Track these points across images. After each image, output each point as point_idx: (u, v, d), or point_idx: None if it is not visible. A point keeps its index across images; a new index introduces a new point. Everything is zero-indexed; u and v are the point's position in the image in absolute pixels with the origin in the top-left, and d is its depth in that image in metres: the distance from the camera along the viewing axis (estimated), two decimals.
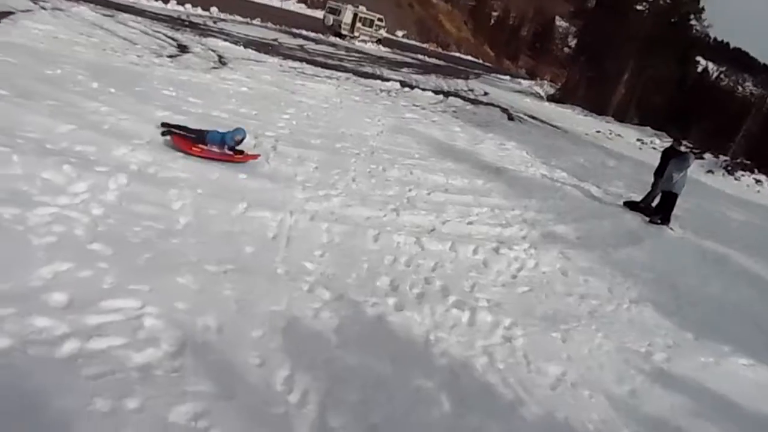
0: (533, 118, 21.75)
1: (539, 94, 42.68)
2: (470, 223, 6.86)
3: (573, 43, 44.27)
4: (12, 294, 3.11)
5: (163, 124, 6.87)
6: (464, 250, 5.86)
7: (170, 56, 12.69)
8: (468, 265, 5.58)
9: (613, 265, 6.81)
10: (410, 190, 7.46)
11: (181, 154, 6.21)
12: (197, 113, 8.21)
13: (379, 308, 4.18)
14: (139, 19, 17.86)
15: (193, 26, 20.59)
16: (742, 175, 21.16)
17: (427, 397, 3.29)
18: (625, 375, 4.22)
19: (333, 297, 4.15)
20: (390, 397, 3.20)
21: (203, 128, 6.86)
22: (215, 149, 6.46)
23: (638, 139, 24.31)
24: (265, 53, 17.75)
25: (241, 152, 6.67)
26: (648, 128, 29.14)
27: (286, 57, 18.40)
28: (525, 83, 50.09)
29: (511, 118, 19.51)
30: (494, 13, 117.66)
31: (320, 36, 34.13)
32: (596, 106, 33.92)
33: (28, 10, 13.48)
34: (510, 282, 5.46)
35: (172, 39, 15.62)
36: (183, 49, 14.35)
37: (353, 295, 4.27)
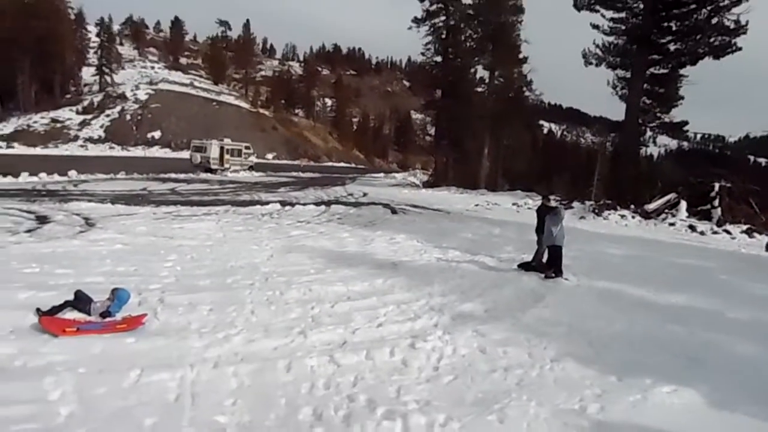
0: (415, 206, 22.70)
1: (415, 183, 45.06)
2: (380, 325, 6.74)
3: (432, 131, 47.70)
4: None
5: (38, 310, 6.15)
6: (380, 355, 5.69)
7: (28, 231, 11.82)
8: (388, 369, 5.40)
9: (526, 329, 6.94)
10: (313, 308, 7.25)
11: (54, 337, 5.60)
12: (67, 284, 7.53)
13: None
14: None
15: (51, 194, 19.58)
16: (609, 214, 23.21)
17: None
18: None
19: None
20: None
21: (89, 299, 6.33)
22: (95, 320, 5.93)
23: (513, 204, 26.12)
24: (136, 204, 17.22)
25: (122, 320, 6.12)
26: (519, 192, 31.54)
27: (158, 204, 17.95)
28: (399, 176, 52.86)
29: (394, 212, 20.20)
30: (354, 119, 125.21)
31: (191, 175, 33.99)
32: (468, 183, 36.35)
33: None
34: (433, 375, 5.33)
35: (28, 212, 14.65)
36: (42, 220, 13.48)
37: None
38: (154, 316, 6.48)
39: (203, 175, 35.41)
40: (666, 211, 23.52)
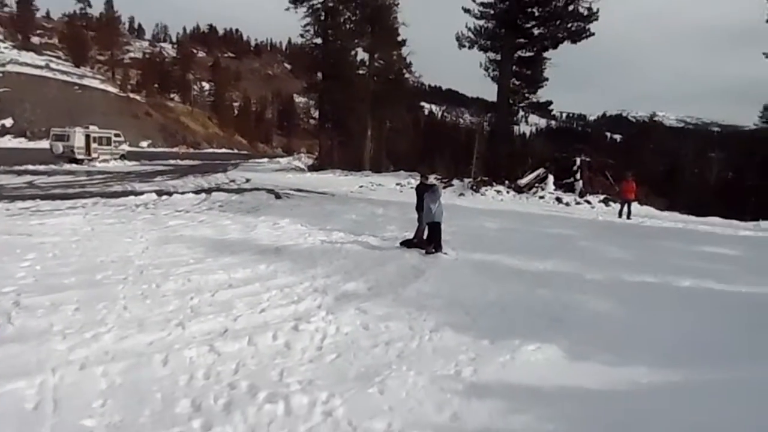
0: (299, 191, 22.50)
1: (300, 167, 44.62)
2: (263, 310, 6.65)
3: (316, 114, 47.31)
4: None
5: None
6: (263, 340, 5.64)
7: None
8: (271, 353, 5.37)
9: (407, 303, 7.19)
10: (192, 298, 6.99)
11: None
12: None
13: None
14: None
15: None
16: (486, 190, 24.55)
17: None
18: (443, 402, 4.40)
19: None
20: None
21: None
22: None
23: (397, 184, 26.75)
24: None
25: None
26: (401, 172, 32.33)
27: (13, 199, 16.21)
28: (284, 161, 52.04)
29: (278, 196, 19.89)
30: (235, 104, 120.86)
31: (52, 167, 31.01)
32: (353, 165, 36.63)
33: None
34: (317, 356, 5.38)
35: None
36: None
37: None
38: (8, 321, 5.89)
39: (67, 166, 32.42)
40: (536, 185, 25.35)
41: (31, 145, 55.51)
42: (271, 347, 5.52)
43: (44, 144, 41.12)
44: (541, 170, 26.18)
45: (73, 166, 32.70)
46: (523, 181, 25.47)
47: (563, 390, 4.71)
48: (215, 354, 5.26)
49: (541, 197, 23.88)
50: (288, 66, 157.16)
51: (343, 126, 40.52)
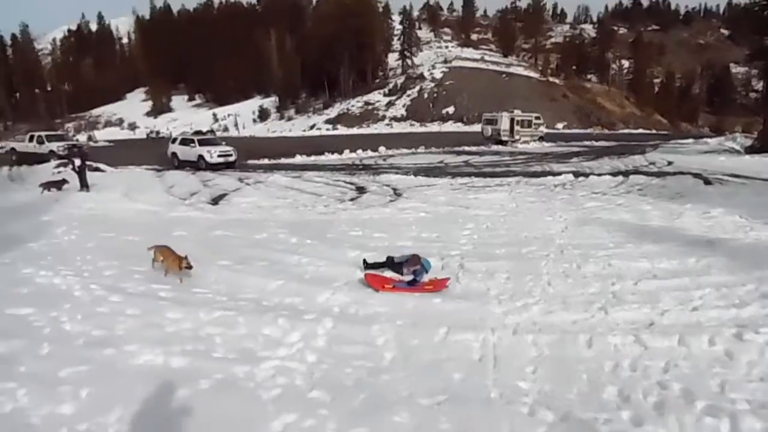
0: (735, 176, 19.31)
1: (734, 148, 38.34)
2: (694, 309, 5.96)
3: (759, 86, 39.62)
4: None
5: (364, 261, 7.38)
6: (697, 343, 5.05)
7: (351, 199, 13.91)
8: (707, 359, 4.76)
9: None
10: (613, 284, 6.83)
11: (376, 291, 6.52)
12: (383, 246, 8.66)
13: (613, 426, 3.68)
14: (321, 173, 20.14)
15: (366, 168, 22.60)
16: None
17: None
18: None
19: (558, 417, 3.77)
20: None
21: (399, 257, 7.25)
22: (406, 280, 6.71)
23: None
24: (435, 176, 18.64)
25: (429, 282, 6.77)
26: None
27: (454, 176, 19.09)
28: (713, 141, 45.57)
29: (707, 182, 17.54)
30: (656, 80, 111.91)
31: (482, 148, 35.16)
32: None
33: (237, 189, 16.02)
34: None
35: (351, 183, 17.20)
36: (361, 190, 15.67)
37: (580, 413, 3.83)
38: (456, 280, 6.98)
39: (494, 147, 36.25)
40: None
41: (466, 128, 64.18)
42: (707, 353, 4.90)
43: (476, 128, 46.82)
44: None
45: (499, 147, 36.27)
46: None
47: None
48: (641, 346, 5.00)
49: None
50: (725, 32, 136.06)
51: None
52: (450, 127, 70.88)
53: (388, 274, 7.12)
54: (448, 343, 5.05)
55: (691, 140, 48.90)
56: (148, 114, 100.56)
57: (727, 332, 5.23)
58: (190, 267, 6.81)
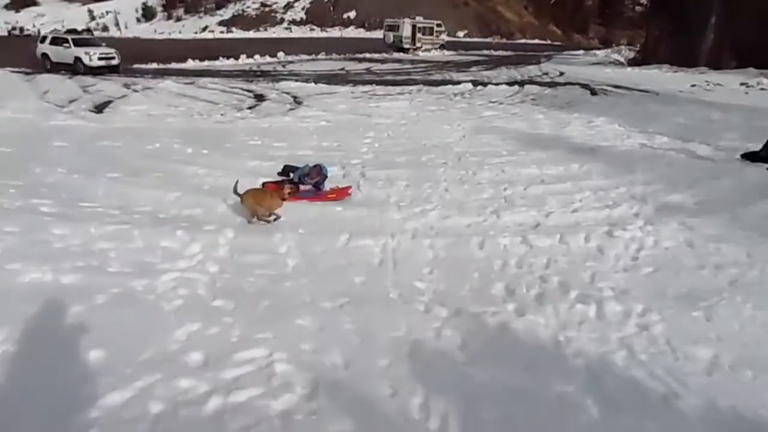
0: (617, 87, 20.63)
1: (618, 61, 40.53)
2: (575, 210, 6.52)
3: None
4: (155, 360, 3.32)
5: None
6: (575, 240, 5.57)
7: (249, 107, 13.38)
8: (582, 255, 5.29)
9: (747, 226, 6.16)
10: (505, 189, 7.25)
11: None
12: (283, 156, 8.52)
13: (500, 317, 4.04)
14: (216, 79, 19.04)
15: (264, 74, 21.60)
16: None
17: (571, 404, 3.10)
18: None
19: (451, 313, 4.07)
20: (531, 408, 3.05)
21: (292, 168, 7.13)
22: (308, 189, 6.68)
23: (742, 84, 22.29)
24: (336, 84, 18.26)
25: (331, 191, 6.81)
26: (751, 69, 26.67)
27: (355, 83, 18.80)
28: (600, 53, 47.86)
29: (593, 92, 18.62)
30: None
31: (384, 55, 34.65)
32: (684, 60, 31.53)
33: (123, 96, 14.80)
34: (632, 265, 5.10)
35: (249, 91, 16.46)
36: (260, 98, 15.07)
37: (471, 308, 4.16)
38: (358, 188, 7.07)
39: (396, 55, 35.84)
40: None
41: (368, 34, 62.55)
42: (583, 249, 5.43)
43: (378, 34, 45.77)
44: None
45: (401, 55, 35.92)
46: None
47: None
48: (527, 246, 5.43)
49: None
50: None
51: (679, 13, 34.74)
52: (352, 32, 68.78)
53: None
54: (350, 249, 5.20)
55: (581, 52, 51.02)
56: (7, 7, 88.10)
57: (600, 230, 5.80)
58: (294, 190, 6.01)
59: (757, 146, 9.43)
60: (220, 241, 5.18)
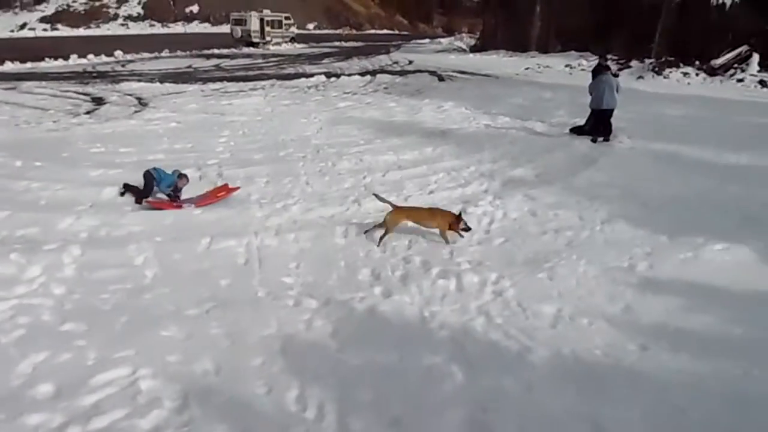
0: (462, 72, 21.92)
1: (461, 48, 42.97)
2: (431, 192, 6.89)
3: None
4: None
5: (125, 185, 6.64)
6: None
7: (87, 112, 12.25)
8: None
9: (577, 192, 6.94)
10: (365, 177, 7.44)
11: (129, 209, 6.09)
12: (132, 162, 7.96)
13: (367, 301, 4.17)
14: (44, 83, 17.13)
15: (102, 75, 19.88)
16: (670, 72, 21.81)
17: (438, 373, 3.30)
18: (615, 294, 4.32)
19: (320, 303, 4.12)
20: (403, 384, 3.20)
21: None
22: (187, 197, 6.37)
23: (566, 66, 24.80)
24: (184, 83, 17.36)
25: (221, 188, 6.57)
26: (572, 52, 29.71)
27: (205, 81, 18.03)
28: (445, 41, 50.43)
29: (441, 79, 19.62)
30: None
31: (233, 50, 33.53)
32: (518, 45, 34.35)
33: None
34: (485, 238, 5.52)
35: (85, 94, 15.06)
36: (98, 101, 13.86)
37: (339, 296, 4.24)
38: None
39: (246, 50, 34.84)
40: (735, 66, 21.79)
41: (215, 29, 60.06)
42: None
43: (225, 29, 44.17)
44: (743, 48, 22.23)
45: (251, 50, 35.00)
46: (719, 61, 21.96)
47: (755, 294, 4.33)
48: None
49: (740, 80, 20.52)
50: None
51: (509, 2, 37.64)
52: (196, 27, 65.52)
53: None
54: (212, 252, 5.03)
55: (427, 40, 53.27)
56: None
57: (455, 208, 6.16)
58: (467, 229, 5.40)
59: (582, 121, 10.57)
60: (65, 260, 4.73)
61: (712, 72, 21.58)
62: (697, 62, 22.48)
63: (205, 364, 3.34)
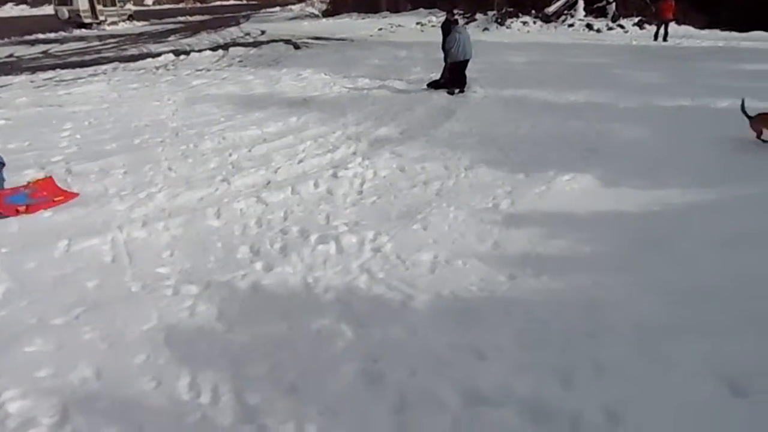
0: (317, 39, 21.73)
1: (314, 14, 42.44)
2: (300, 161, 6.86)
3: None
4: None
5: None
6: (305, 189, 5.90)
7: None
8: (315, 200, 5.64)
9: (440, 144, 7.29)
10: (230, 155, 7.22)
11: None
12: None
13: (250, 278, 4.11)
14: None
15: None
16: (512, 22, 23.24)
17: (328, 334, 3.37)
18: (484, 233, 4.65)
19: (201, 288, 3.99)
20: (295, 351, 3.23)
21: None
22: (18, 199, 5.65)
23: (417, 23, 25.47)
24: (7, 74, 15.44)
25: (59, 192, 5.89)
26: (421, 10, 30.54)
27: (34, 70, 16.18)
28: (296, 8, 49.49)
29: (297, 47, 19.32)
30: None
31: (63, 34, 30.28)
32: (369, 7, 34.63)
33: None
34: (358, 199, 5.63)
35: None
36: None
37: (220, 277, 4.14)
38: (67, 187, 6.24)
39: (77, 32, 31.59)
40: (565, 12, 23.74)
41: (34, 11, 53.64)
42: (314, 194, 5.78)
43: (48, 9, 39.66)
44: None
45: (83, 32, 31.83)
46: (551, 9, 23.83)
47: (598, 215, 4.90)
48: (263, 204, 5.55)
49: (571, 25, 22.49)
50: None
51: None
52: (10, 10, 58.05)
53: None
54: (72, 254, 4.62)
55: (278, 8, 51.94)
56: None
57: (326, 174, 6.24)
58: None
59: (437, 75, 11.01)
60: None
61: (547, 19, 23.36)
62: (533, 11, 24.15)
63: (82, 372, 3.12)
